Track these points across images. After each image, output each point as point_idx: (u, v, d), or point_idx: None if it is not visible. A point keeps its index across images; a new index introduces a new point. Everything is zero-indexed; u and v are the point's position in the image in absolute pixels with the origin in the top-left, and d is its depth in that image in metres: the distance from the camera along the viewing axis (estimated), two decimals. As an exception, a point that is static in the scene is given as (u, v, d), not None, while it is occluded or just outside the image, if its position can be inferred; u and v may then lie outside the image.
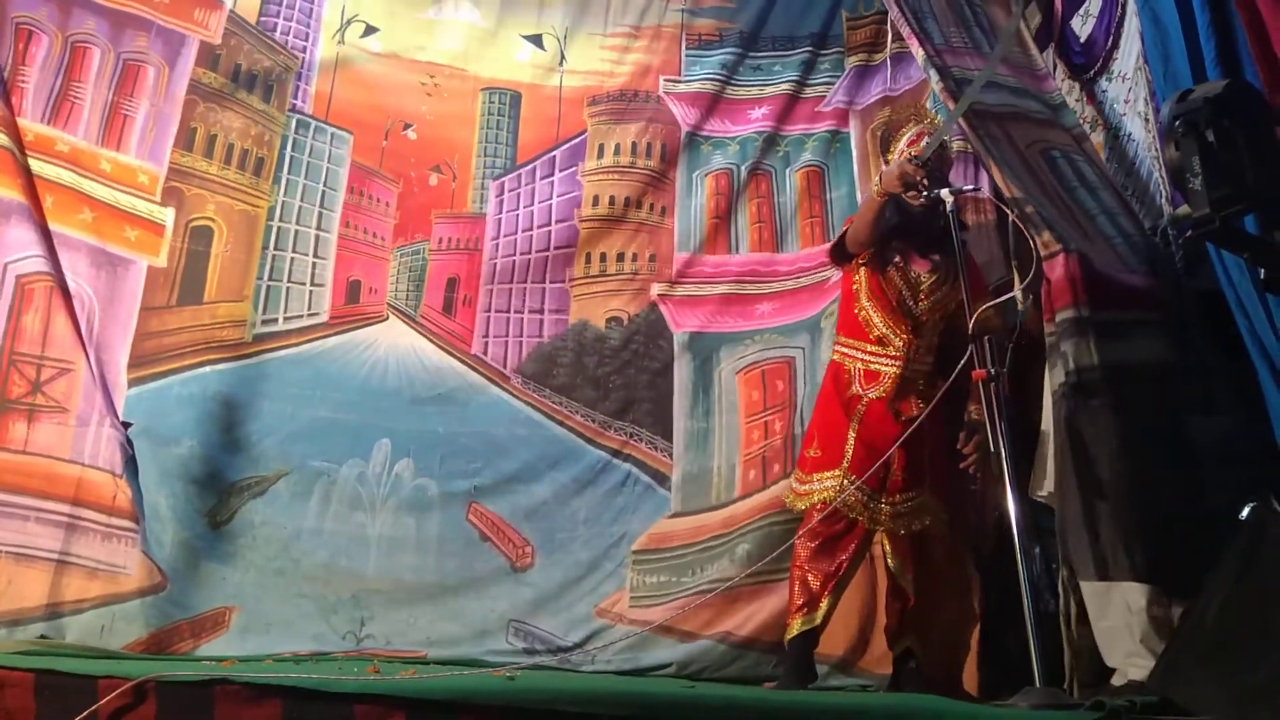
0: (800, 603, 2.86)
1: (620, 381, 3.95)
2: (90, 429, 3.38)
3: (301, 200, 4.00)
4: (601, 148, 4.28)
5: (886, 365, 2.99)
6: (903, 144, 3.06)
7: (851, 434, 2.93)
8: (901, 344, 2.99)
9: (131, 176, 3.75)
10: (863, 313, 3.05)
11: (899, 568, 2.92)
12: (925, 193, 2.84)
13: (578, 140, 4.29)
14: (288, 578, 3.46)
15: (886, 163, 3.17)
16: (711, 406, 3.89)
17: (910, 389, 2.98)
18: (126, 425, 3.44)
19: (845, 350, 3.08)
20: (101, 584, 3.25)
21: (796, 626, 2.85)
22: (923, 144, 2.99)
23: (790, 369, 3.86)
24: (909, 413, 2.91)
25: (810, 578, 2.87)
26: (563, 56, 4.40)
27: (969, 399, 2.90)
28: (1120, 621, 2.62)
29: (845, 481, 2.86)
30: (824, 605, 2.83)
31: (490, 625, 3.50)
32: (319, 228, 4.00)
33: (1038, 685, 2.27)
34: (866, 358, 3.03)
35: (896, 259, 3.03)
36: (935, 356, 3.04)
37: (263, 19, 4.14)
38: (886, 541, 2.92)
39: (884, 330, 3.01)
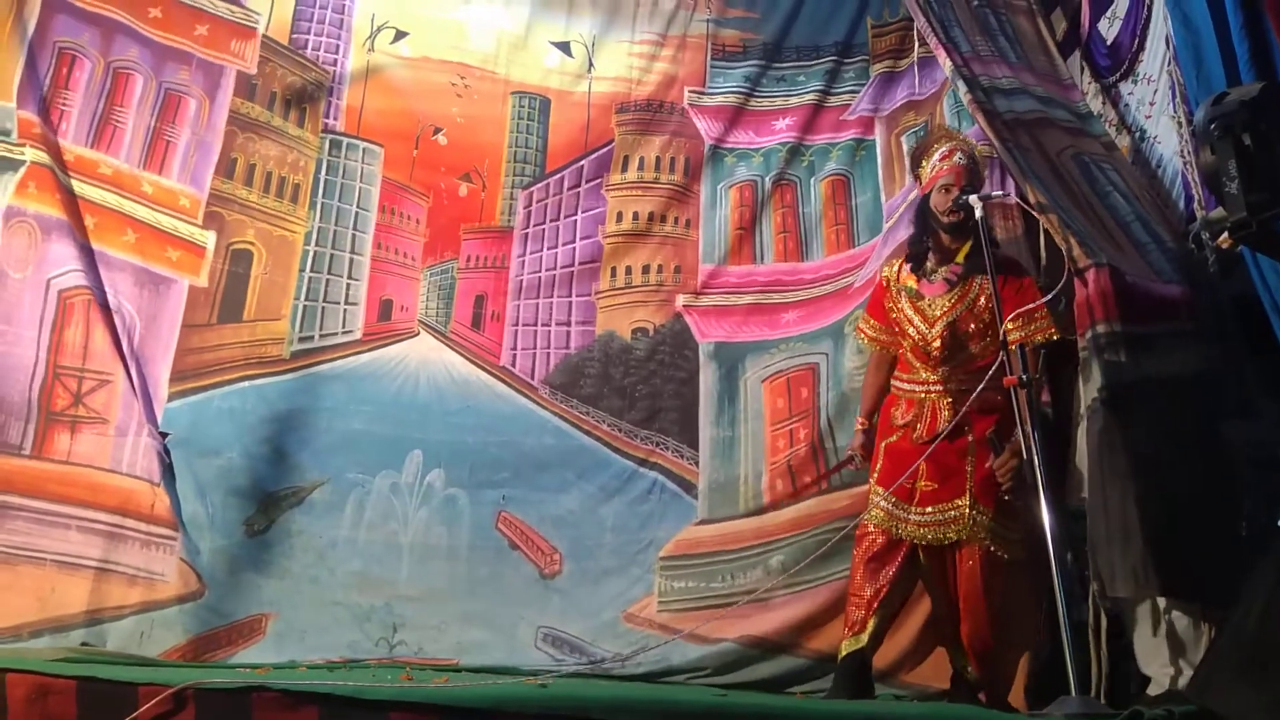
0: (850, 622, 2.87)
1: (646, 391, 3.97)
2: (129, 439, 3.45)
3: (336, 224, 4.08)
4: (626, 160, 4.31)
5: (916, 390, 3.00)
6: (935, 159, 3.03)
7: (883, 448, 2.98)
8: (926, 372, 2.99)
9: (173, 199, 3.84)
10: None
11: (928, 579, 2.91)
12: (956, 203, 2.87)
13: (605, 150, 4.32)
14: (323, 586, 3.52)
15: (917, 178, 3.14)
16: (737, 415, 3.90)
17: (937, 408, 2.94)
18: (164, 435, 3.51)
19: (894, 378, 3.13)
20: (141, 591, 3.30)
21: (845, 647, 2.85)
22: (956, 158, 2.98)
23: (814, 375, 3.86)
24: (935, 427, 2.88)
25: (859, 597, 2.87)
26: (590, 63, 4.43)
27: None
28: (1158, 630, 2.59)
29: (873, 496, 2.91)
30: (870, 625, 2.82)
31: (520, 632, 3.53)
32: (353, 251, 4.08)
33: (1073, 695, 2.24)
34: (901, 385, 3.07)
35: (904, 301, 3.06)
36: (982, 367, 2.89)
37: (294, 36, 4.21)
38: (921, 554, 2.90)
39: (911, 359, 3.04)
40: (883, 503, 2.88)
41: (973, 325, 2.92)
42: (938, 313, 2.96)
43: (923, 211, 3.06)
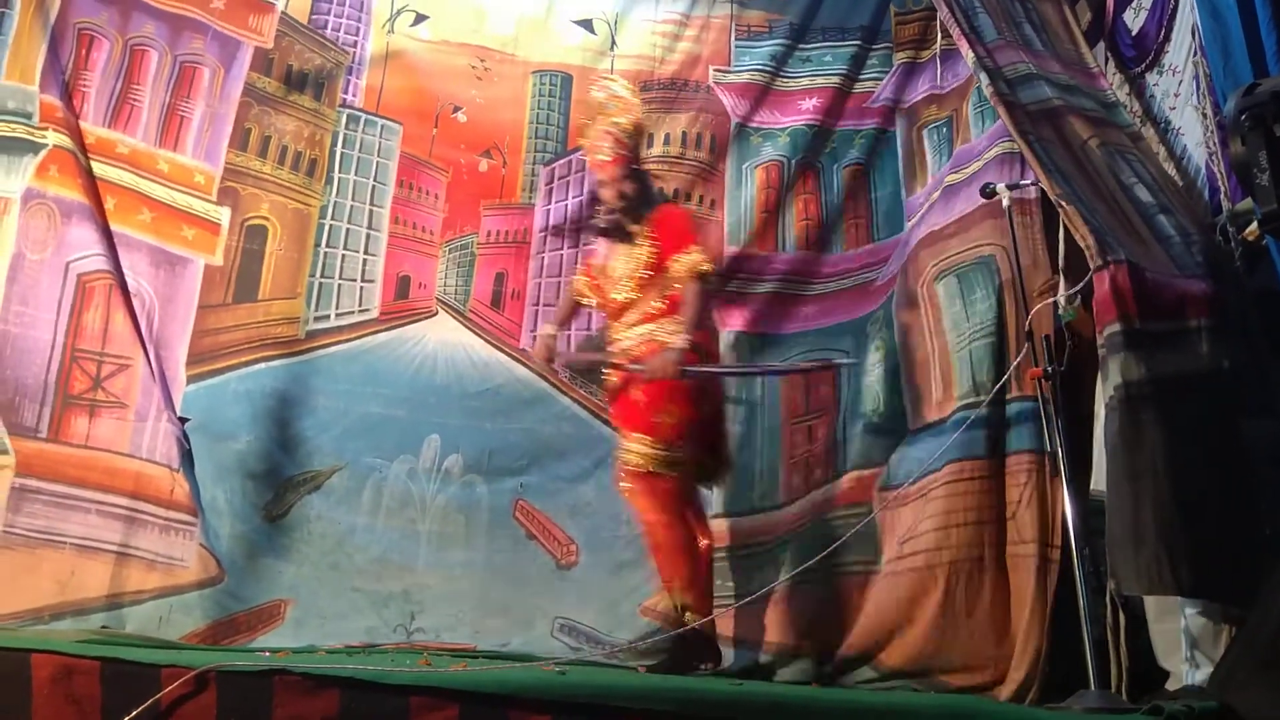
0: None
1: (662, 381, 3.95)
2: (148, 424, 3.46)
3: (353, 199, 4.05)
4: (652, 137, 4.25)
5: None
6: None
7: None
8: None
9: (188, 176, 3.83)
10: None
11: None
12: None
13: (629, 127, 4.30)
14: (342, 572, 3.53)
15: None
16: (754, 409, 3.87)
17: None
18: (183, 420, 3.52)
19: None
20: (160, 576, 3.32)
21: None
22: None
23: (834, 372, 3.81)
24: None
25: None
26: (613, 41, 4.39)
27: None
28: (1177, 626, 2.58)
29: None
30: None
31: (536, 621, 3.54)
32: (370, 226, 4.05)
33: (1093, 689, 2.24)
34: None
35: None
36: None
37: (314, 17, 4.19)
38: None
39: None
40: None
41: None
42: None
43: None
